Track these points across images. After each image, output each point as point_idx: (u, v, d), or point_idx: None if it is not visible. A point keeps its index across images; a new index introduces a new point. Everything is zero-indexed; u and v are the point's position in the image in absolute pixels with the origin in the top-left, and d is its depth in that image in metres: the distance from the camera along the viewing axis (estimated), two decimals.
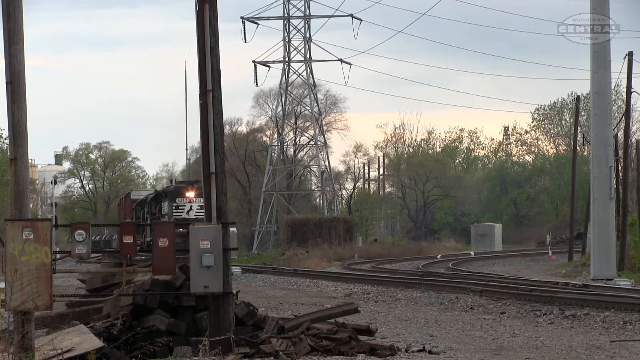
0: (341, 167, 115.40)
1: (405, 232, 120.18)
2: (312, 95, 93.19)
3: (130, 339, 17.01)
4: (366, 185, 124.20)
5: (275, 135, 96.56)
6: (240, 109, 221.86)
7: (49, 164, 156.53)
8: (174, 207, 55.89)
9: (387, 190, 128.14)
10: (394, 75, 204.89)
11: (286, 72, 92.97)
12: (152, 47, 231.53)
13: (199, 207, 53.91)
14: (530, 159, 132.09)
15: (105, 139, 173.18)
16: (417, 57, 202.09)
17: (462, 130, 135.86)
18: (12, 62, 16.04)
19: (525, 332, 22.09)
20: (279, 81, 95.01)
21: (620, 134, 59.60)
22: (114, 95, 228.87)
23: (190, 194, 55.25)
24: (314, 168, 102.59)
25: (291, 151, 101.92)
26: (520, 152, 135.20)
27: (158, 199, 60.12)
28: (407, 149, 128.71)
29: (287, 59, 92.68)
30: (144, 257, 27.43)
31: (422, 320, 25.50)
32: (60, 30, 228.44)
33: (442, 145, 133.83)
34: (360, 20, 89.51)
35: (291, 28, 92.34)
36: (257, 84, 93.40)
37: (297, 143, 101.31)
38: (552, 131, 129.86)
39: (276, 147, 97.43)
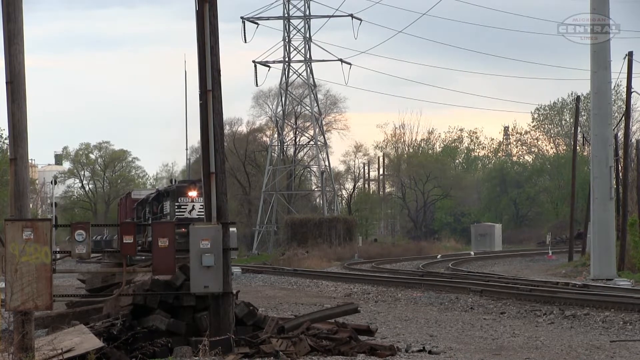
0: (341, 167, 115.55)
1: (405, 232, 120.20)
2: (312, 95, 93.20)
3: (130, 339, 17.01)
4: (366, 185, 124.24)
5: (275, 135, 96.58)
6: (240, 109, 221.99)
7: (49, 164, 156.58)
8: (176, 207, 55.37)
9: (387, 190, 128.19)
10: (394, 75, 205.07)
11: (286, 72, 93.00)
12: (152, 47, 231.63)
13: (202, 207, 53.50)
14: (530, 159, 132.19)
15: (105, 139, 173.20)
16: (417, 57, 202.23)
17: (462, 130, 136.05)
18: (12, 62, 16.03)
19: (525, 332, 22.09)
20: (279, 81, 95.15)
21: (620, 134, 59.60)
22: (114, 95, 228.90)
23: (193, 193, 54.64)
24: (314, 168, 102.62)
25: (291, 151, 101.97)
26: (520, 152, 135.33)
27: (160, 199, 59.64)
28: (407, 149, 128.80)
29: (287, 59, 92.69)
30: (144, 257, 27.43)
31: (422, 320, 25.51)
32: (60, 30, 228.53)
33: (442, 145, 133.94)
34: (360, 20, 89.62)
35: (291, 28, 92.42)
36: (257, 84, 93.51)
37: (297, 143, 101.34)
38: (552, 131, 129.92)
39: (276, 147, 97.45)
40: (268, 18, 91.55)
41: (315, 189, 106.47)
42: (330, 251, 76.61)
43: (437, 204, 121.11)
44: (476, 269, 58.42)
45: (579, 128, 71.24)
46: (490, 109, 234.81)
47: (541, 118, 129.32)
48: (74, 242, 16.86)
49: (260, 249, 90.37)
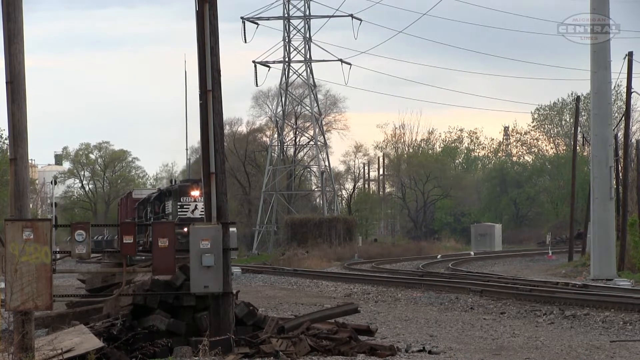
0: (341, 167, 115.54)
1: (405, 232, 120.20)
2: (312, 96, 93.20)
3: (131, 339, 17.01)
4: (366, 185, 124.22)
5: (275, 136, 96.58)
6: (240, 109, 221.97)
7: (49, 164, 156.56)
8: (178, 207, 54.93)
9: (387, 190, 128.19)
10: (394, 75, 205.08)
11: (286, 72, 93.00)
12: (152, 47, 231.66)
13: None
14: (530, 159, 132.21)
15: (105, 139, 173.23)
16: (417, 57, 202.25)
17: (462, 130, 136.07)
18: (12, 62, 16.03)
19: (525, 332, 22.09)
20: (278, 81, 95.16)
21: (620, 134, 59.61)
22: (114, 95, 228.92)
23: (195, 192, 54.11)
24: (314, 168, 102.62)
25: (291, 151, 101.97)
26: (520, 152, 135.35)
27: (162, 198, 59.21)
28: (407, 149, 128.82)
29: (287, 59, 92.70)
30: (144, 257, 27.41)
31: (422, 320, 25.50)
32: (60, 30, 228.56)
33: (442, 145, 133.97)
34: (360, 20, 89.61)
35: (291, 28, 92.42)
36: (257, 84, 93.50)
37: (297, 143, 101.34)
38: (552, 131, 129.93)
39: (276, 147, 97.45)
40: (268, 18, 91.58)
41: (315, 189, 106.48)
42: (330, 251, 76.60)
43: (437, 204, 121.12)
44: (476, 269, 58.42)
45: (579, 128, 71.24)
46: (490, 109, 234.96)
47: (541, 118, 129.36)
48: (74, 242, 16.86)
49: (260, 249, 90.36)
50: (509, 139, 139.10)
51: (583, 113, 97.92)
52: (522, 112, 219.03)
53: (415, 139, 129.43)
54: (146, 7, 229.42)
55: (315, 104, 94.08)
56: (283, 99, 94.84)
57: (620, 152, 56.04)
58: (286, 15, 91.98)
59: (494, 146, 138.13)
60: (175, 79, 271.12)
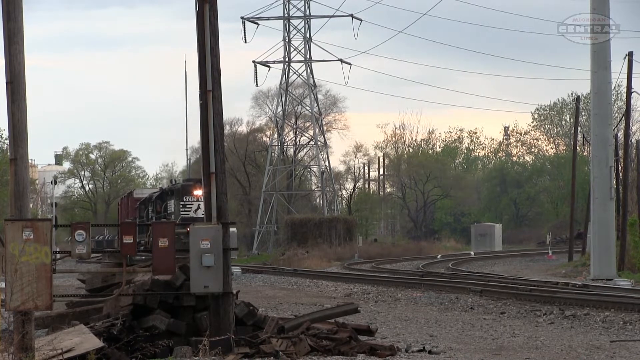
0: (341, 167, 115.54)
1: (405, 232, 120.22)
2: (312, 95, 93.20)
3: (131, 339, 17.01)
4: (366, 185, 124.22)
5: (275, 135, 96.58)
6: (240, 109, 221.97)
7: (49, 164, 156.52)
8: (181, 206, 54.47)
9: (387, 190, 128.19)
10: (394, 75, 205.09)
11: (286, 72, 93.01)
12: (152, 47, 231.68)
13: None
14: (530, 159, 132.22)
15: (105, 139, 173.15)
16: (417, 57, 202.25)
17: (462, 130, 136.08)
18: (12, 62, 16.03)
19: (525, 332, 22.09)
20: (278, 81, 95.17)
21: (620, 134, 59.61)
22: (114, 95, 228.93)
23: (198, 192, 53.43)
24: (314, 168, 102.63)
25: (291, 151, 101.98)
26: (520, 152, 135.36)
27: (164, 197, 58.58)
28: (407, 149, 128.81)
29: (287, 59, 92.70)
30: (144, 257, 27.40)
31: (422, 320, 25.50)
32: (59, 30, 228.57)
33: (442, 145, 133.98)
34: (361, 20, 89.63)
35: (291, 28, 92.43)
36: (257, 84, 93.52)
37: (297, 143, 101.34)
38: (552, 131, 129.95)
39: (276, 147, 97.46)
40: (268, 18, 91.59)
41: (315, 189, 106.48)
42: (330, 251, 76.59)
43: (437, 204, 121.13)
44: (476, 269, 58.42)
45: (579, 128, 71.24)
46: (490, 109, 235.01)
47: (541, 118, 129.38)
48: (74, 242, 16.86)
49: (260, 249, 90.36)
50: (509, 139, 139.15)
51: (583, 113, 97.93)
52: (522, 112, 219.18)
53: (415, 139, 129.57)
54: (146, 7, 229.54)
55: (315, 104, 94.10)
56: (283, 99, 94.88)
57: (620, 152, 56.04)
58: (286, 15, 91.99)
59: (494, 146, 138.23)
60: (175, 79, 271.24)
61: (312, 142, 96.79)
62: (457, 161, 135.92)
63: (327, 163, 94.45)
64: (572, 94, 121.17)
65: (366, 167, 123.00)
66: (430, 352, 17.96)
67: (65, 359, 15.77)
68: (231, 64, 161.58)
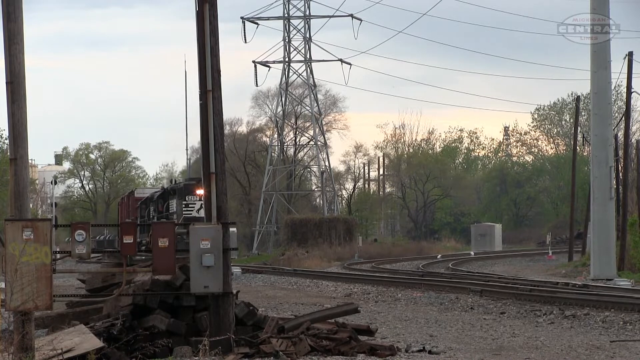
0: (341, 167, 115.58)
1: (405, 232, 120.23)
2: (312, 95, 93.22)
3: (131, 339, 17.01)
4: (366, 185, 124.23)
5: (275, 136, 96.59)
6: (240, 109, 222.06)
7: (49, 164, 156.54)
8: (183, 205, 54.02)
9: (387, 190, 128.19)
10: (394, 75, 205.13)
11: (286, 72, 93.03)
12: (152, 47, 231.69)
13: None
14: (530, 159, 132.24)
15: (105, 139, 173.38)
16: (417, 57, 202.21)
17: (462, 130, 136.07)
18: (12, 62, 16.04)
19: (525, 332, 22.09)
20: (278, 81, 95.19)
21: (620, 134, 59.61)
22: (114, 95, 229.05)
23: (201, 191, 52.63)
24: (314, 168, 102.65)
25: (291, 151, 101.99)
26: (520, 152, 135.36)
27: (165, 197, 58.08)
28: (407, 149, 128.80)
29: (287, 59, 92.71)
30: (144, 257, 27.39)
31: (422, 320, 25.50)
32: (59, 30, 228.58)
33: (442, 145, 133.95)
34: (360, 20, 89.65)
35: (291, 28, 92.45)
36: (257, 84, 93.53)
37: (297, 143, 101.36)
38: (552, 131, 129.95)
39: (276, 147, 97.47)
40: (268, 18, 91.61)
41: (315, 189, 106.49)
42: (330, 251, 76.59)
43: (437, 204, 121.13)
44: (476, 269, 58.42)
45: (579, 128, 71.25)
46: (490, 109, 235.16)
47: (541, 118, 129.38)
48: (74, 242, 16.86)
49: (260, 249, 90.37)
50: (509, 139, 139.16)
51: (583, 113, 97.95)
52: (522, 112, 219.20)
53: (415, 139, 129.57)
54: (145, 7, 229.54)
55: (315, 104, 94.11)
56: (283, 99, 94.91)
57: (620, 152, 56.04)
58: (286, 15, 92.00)
59: (494, 146, 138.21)
60: (175, 79, 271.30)
61: (312, 142, 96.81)
62: (457, 161, 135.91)
63: (327, 163, 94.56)
64: (572, 94, 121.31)
65: (366, 167, 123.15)
66: (430, 352, 17.96)
67: (65, 359, 15.78)
68: (231, 64, 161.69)
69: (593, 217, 43.77)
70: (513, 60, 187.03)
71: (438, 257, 75.68)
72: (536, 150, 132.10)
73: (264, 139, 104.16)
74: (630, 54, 51.36)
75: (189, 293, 17.34)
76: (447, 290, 35.24)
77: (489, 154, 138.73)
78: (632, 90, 53.57)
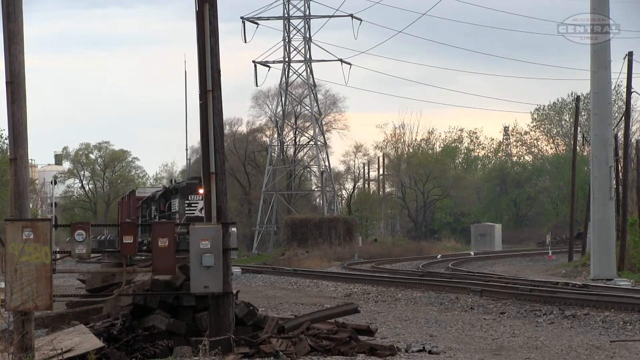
0: (341, 167, 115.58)
1: (405, 232, 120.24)
2: (312, 95, 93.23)
3: (131, 339, 17.01)
4: (366, 185, 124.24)
5: (275, 135, 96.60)
6: (240, 109, 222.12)
7: (49, 164, 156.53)
8: (186, 205, 53.54)
9: (387, 190, 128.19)
10: (394, 75, 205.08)
11: (286, 72, 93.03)
12: (152, 47, 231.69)
13: None
14: (530, 159, 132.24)
15: (105, 139, 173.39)
16: (417, 57, 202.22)
17: (462, 130, 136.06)
18: (12, 62, 16.03)
19: (525, 332, 22.09)
20: (278, 81, 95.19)
21: (620, 134, 59.61)
22: (114, 95, 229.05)
23: None
24: (314, 168, 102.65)
25: (291, 151, 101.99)
26: (520, 152, 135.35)
27: (167, 196, 57.61)
28: (407, 149, 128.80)
29: (287, 59, 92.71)
30: (144, 257, 27.41)
31: (422, 320, 25.50)
32: (59, 30, 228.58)
33: (442, 145, 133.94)
34: (360, 20, 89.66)
35: (291, 28, 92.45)
36: (257, 84, 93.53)
37: (297, 143, 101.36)
38: (552, 131, 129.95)
39: (276, 147, 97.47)
40: (268, 18, 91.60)
41: (315, 189, 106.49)
42: (330, 251, 76.58)
43: (437, 204, 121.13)
44: (476, 269, 58.41)
45: (579, 128, 71.25)
46: (490, 109, 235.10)
47: (541, 118, 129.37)
48: (74, 242, 16.86)
49: (260, 249, 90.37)
50: (509, 139, 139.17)
51: (583, 113, 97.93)
52: (522, 112, 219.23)
53: (415, 139, 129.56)
54: (145, 7, 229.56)
55: (315, 104, 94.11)
56: (283, 99, 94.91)
57: (620, 152, 56.04)
58: (286, 15, 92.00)
59: (494, 146, 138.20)
60: (175, 79, 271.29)
61: (312, 142, 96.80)
62: (457, 161, 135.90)
63: (327, 163, 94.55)
64: (572, 94, 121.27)
65: (366, 167, 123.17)
66: (430, 352, 17.96)
67: (65, 359, 15.77)
68: (231, 64, 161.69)
69: (593, 217, 43.77)
70: (513, 60, 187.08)
71: (438, 257, 75.67)
72: (536, 150, 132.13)
73: (264, 139, 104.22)
74: (630, 54, 51.36)
75: (189, 293, 17.34)
76: (447, 290, 35.24)
77: (489, 154, 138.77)
78: (632, 90, 53.58)
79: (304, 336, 17.14)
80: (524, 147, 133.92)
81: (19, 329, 15.83)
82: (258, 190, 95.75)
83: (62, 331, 17.31)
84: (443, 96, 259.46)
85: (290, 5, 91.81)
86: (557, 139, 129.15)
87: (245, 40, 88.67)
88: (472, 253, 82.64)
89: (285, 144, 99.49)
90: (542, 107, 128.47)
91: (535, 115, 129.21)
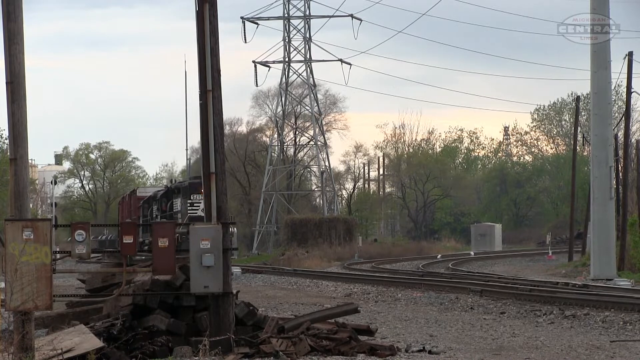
0: (341, 167, 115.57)
1: (405, 232, 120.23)
2: (312, 95, 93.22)
3: (131, 339, 17.01)
4: (366, 185, 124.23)
5: (275, 135, 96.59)
6: (240, 109, 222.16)
7: (49, 164, 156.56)
8: (188, 204, 53.21)
9: (387, 190, 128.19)
10: (394, 75, 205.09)
11: (286, 72, 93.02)
12: (152, 47, 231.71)
13: None
14: (530, 159, 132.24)
15: (105, 139, 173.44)
16: (417, 57, 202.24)
17: (462, 130, 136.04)
18: (12, 62, 16.03)
19: (525, 332, 22.09)
20: (278, 81, 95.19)
21: (620, 134, 59.61)
22: (114, 95, 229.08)
23: None
24: (314, 168, 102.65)
25: (291, 151, 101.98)
26: (520, 152, 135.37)
27: (169, 195, 57.35)
28: (407, 149, 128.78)
29: (287, 59, 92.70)
30: (144, 257, 27.40)
31: (422, 320, 25.50)
32: (59, 30, 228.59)
33: (442, 145, 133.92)
34: (360, 20, 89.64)
35: (291, 28, 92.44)
36: (257, 84, 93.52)
37: (297, 143, 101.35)
38: (552, 131, 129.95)
39: (276, 147, 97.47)
40: (268, 18, 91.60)
41: (315, 189, 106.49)
42: (330, 251, 76.57)
43: (437, 204, 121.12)
44: (476, 269, 58.41)
45: (579, 128, 71.24)
46: (490, 109, 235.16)
47: (541, 118, 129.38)
48: (74, 242, 16.86)
49: (260, 249, 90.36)
50: (509, 139, 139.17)
51: (583, 113, 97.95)
52: (522, 112, 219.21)
53: (415, 139, 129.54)
54: (145, 7, 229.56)
55: (315, 104, 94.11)
56: (283, 99, 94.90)
57: (620, 152, 56.04)
58: (286, 15, 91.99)
59: (494, 146, 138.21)
60: (175, 79, 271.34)
61: (312, 142, 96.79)
62: (457, 161, 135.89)
63: (327, 163, 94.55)
64: (572, 94, 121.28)
65: (366, 167, 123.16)
66: (430, 352, 17.96)
67: (65, 359, 15.78)
68: (231, 64, 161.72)
69: (593, 217, 43.77)
70: (513, 60, 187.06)
71: (438, 257, 75.67)
72: (536, 150, 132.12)
73: (264, 139, 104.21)
74: (630, 54, 51.36)
75: (189, 293, 17.34)
76: (447, 290, 35.23)
77: (489, 154, 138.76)
78: (632, 90, 53.57)
79: (304, 336, 17.14)
80: (524, 147, 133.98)
81: (19, 329, 15.83)
82: (258, 190, 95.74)
83: (62, 331, 17.31)
84: (443, 96, 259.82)
85: (290, 5, 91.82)
86: (557, 139, 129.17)
87: (245, 40, 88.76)
88: (472, 253, 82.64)
89: (285, 144, 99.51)
90: (542, 107, 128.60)
91: (535, 115, 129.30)
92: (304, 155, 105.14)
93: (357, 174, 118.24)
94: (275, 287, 43.66)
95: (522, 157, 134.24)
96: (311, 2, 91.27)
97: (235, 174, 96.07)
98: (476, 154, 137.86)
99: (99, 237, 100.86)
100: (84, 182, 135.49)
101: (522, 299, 30.04)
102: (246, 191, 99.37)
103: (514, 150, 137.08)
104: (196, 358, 16.22)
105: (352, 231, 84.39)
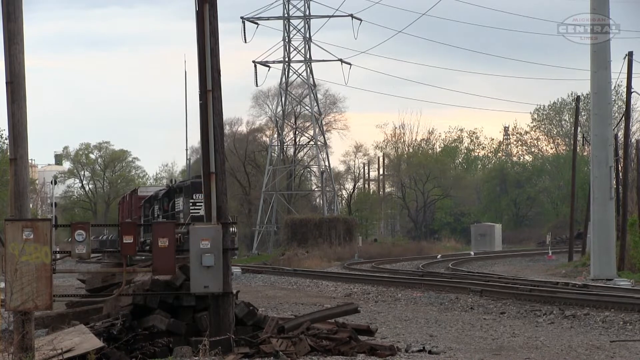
0: (341, 167, 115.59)
1: (405, 232, 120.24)
2: (312, 95, 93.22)
3: (131, 339, 17.01)
4: (366, 185, 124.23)
5: (275, 135, 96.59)
6: (240, 109, 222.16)
7: (49, 164, 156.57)
8: (190, 204, 52.93)
9: (387, 190, 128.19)
10: (394, 75, 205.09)
11: (286, 72, 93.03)
12: (152, 47, 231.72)
13: None
14: (530, 159, 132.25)
15: (105, 139, 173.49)
16: (417, 57, 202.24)
17: (462, 130, 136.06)
18: (12, 62, 16.03)
19: (525, 332, 22.09)
20: (278, 81, 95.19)
21: (620, 134, 59.61)
22: (114, 95, 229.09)
23: None
24: (314, 168, 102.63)
25: (291, 151, 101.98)
26: (520, 152, 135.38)
27: (171, 195, 57.04)
28: (407, 149, 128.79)
29: (287, 59, 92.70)
30: (144, 257, 27.39)
31: (422, 320, 25.50)
32: (59, 30, 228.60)
33: (442, 145, 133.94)
34: (360, 20, 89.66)
35: (291, 28, 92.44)
36: (257, 84, 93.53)
37: (297, 143, 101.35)
38: (552, 131, 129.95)
39: (276, 147, 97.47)
40: (268, 18, 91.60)
41: (315, 189, 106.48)
42: (330, 251, 76.56)
43: (437, 204, 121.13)
44: (476, 269, 58.41)
45: (579, 128, 71.24)
46: (490, 109, 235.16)
47: (541, 118, 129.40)
48: (74, 242, 16.86)
49: (260, 249, 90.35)
50: (509, 139, 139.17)
51: (583, 113, 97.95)
52: (522, 112, 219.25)
53: (415, 139, 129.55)
54: (145, 7, 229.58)
55: (315, 104, 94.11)
56: (283, 99, 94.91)
57: (620, 152, 56.04)
58: (286, 15, 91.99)
59: (494, 146, 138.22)
60: (175, 79, 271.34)
61: (312, 142, 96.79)
62: (457, 161, 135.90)
63: (327, 163, 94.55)
64: (572, 94, 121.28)
65: (366, 167, 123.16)
66: (430, 352, 17.96)
67: (65, 359, 15.78)
68: (231, 64, 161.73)
69: (593, 217, 43.77)
70: (513, 60, 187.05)
71: (438, 257, 75.67)
72: (536, 150, 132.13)
73: (264, 138, 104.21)
74: (630, 54, 51.36)
75: (189, 293, 17.34)
76: (447, 290, 35.23)
77: (489, 154, 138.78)
78: (632, 90, 53.57)
79: (304, 336, 17.14)
80: (524, 147, 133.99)
81: (19, 329, 15.83)
82: (258, 190, 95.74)
83: (62, 331, 17.31)
84: (443, 96, 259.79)
85: (290, 5, 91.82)
86: (557, 139, 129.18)
87: (245, 40, 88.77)
88: (472, 253, 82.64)
89: (285, 144, 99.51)
90: (542, 107, 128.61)
91: (535, 115, 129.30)
92: (304, 155, 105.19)
93: (357, 174, 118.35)
94: (275, 287, 43.65)
95: (522, 157, 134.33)
96: (311, 2, 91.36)
97: (235, 174, 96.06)
98: (476, 154, 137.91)
99: (99, 237, 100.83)
100: (84, 182, 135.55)
101: (522, 299, 30.04)
102: (246, 191, 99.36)
103: (514, 150, 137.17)
104: (196, 358, 16.22)
105: (352, 231, 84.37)
